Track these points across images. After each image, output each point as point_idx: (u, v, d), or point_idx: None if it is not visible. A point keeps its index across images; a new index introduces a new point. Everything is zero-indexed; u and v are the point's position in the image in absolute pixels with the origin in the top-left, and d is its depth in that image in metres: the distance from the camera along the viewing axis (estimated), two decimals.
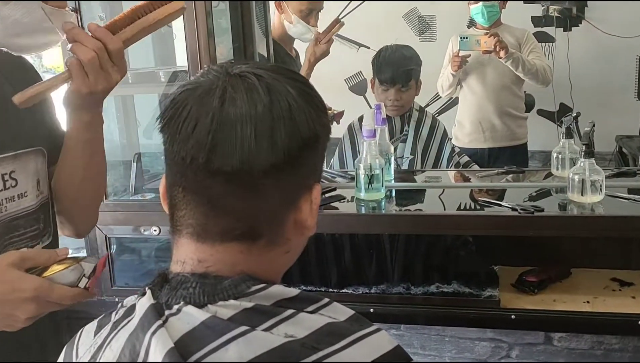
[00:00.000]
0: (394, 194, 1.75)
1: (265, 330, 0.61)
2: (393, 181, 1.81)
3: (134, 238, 1.75)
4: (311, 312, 0.65)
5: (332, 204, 1.61)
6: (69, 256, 0.88)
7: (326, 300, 0.68)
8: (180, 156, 0.64)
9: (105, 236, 1.68)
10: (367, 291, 1.57)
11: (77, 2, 1.56)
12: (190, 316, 0.62)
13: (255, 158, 0.63)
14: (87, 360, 0.67)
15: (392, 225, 1.53)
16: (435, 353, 1.82)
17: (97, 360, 0.65)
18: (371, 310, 1.54)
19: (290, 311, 0.64)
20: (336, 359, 0.61)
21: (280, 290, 0.65)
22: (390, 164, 1.80)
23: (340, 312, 0.67)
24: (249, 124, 0.63)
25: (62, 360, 0.72)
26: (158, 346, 0.60)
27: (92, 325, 0.72)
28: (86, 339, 0.71)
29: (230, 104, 0.63)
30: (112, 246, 1.71)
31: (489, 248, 1.63)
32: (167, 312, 0.63)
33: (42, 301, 0.82)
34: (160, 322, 0.62)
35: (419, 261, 1.57)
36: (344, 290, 1.58)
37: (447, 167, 2.39)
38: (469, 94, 2.85)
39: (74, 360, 0.70)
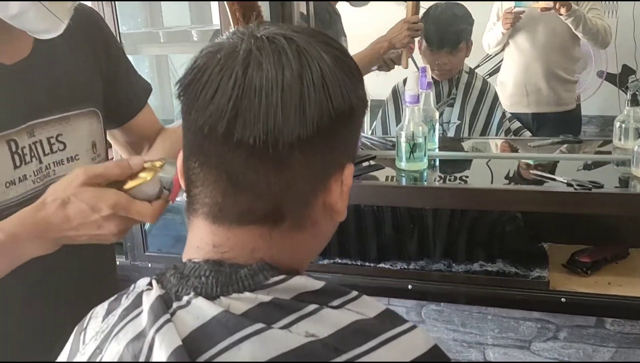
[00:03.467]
0: (437, 163, 1.65)
1: (283, 327, 0.54)
2: (437, 150, 1.70)
3: None
4: (336, 307, 0.58)
5: (371, 174, 1.52)
6: (145, 165, 0.79)
7: (355, 293, 0.61)
8: (197, 125, 0.57)
9: None
10: (406, 266, 1.48)
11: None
12: (200, 310, 0.56)
13: (282, 130, 0.55)
14: (93, 348, 0.61)
15: (433, 199, 1.43)
16: (476, 331, 1.73)
17: (103, 350, 0.59)
18: (409, 286, 1.46)
19: (312, 306, 0.57)
20: (363, 362, 0.54)
21: (302, 282, 0.58)
22: (434, 131, 1.69)
23: (369, 307, 0.60)
24: (275, 92, 0.55)
25: (70, 344, 0.67)
26: (163, 344, 0.54)
27: (101, 308, 0.67)
28: (94, 324, 0.65)
29: (255, 69, 0.56)
30: None
31: (539, 224, 1.52)
32: (175, 304, 0.57)
33: (123, 217, 0.77)
34: (167, 315, 0.56)
35: (462, 236, 1.48)
36: (381, 265, 1.50)
37: (496, 133, 2.26)
38: (515, 53, 2.64)
39: (80, 346, 0.64)
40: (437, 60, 2.23)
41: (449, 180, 1.53)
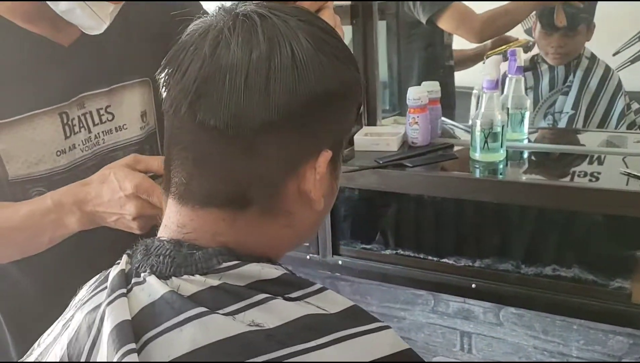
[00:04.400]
0: (525, 156, 1.52)
1: (228, 314, 0.54)
2: (526, 141, 1.57)
3: None
4: (294, 299, 0.56)
5: (442, 163, 1.45)
6: None
7: (318, 286, 0.58)
8: (166, 104, 0.58)
9: None
10: (470, 264, 1.40)
11: None
12: (152, 288, 0.57)
13: (245, 115, 0.54)
14: (69, 315, 0.64)
15: (506, 194, 1.32)
16: (559, 340, 1.59)
17: (72, 319, 0.62)
18: (473, 285, 1.37)
19: (262, 295, 0.55)
20: (303, 359, 0.51)
21: (257, 270, 0.57)
22: (523, 120, 1.56)
23: (333, 303, 0.57)
24: (240, 74, 0.54)
25: (67, 309, 0.71)
26: (110, 317, 0.55)
27: (94, 278, 0.70)
28: (82, 292, 0.68)
29: (223, 49, 0.55)
30: None
31: (631, 227, 1.34)
32: (133, 280, 0.58)
33: (144, 201, 0.81)
34: (123, 290, 0.57)
35: (535, 236, 1.35)
36: (444, 260, 1.42)
37: (616, 126, 2.04)
38: None
39: (67, 310, 0.67)
40: (552, 43, 2.06)
41: (531, 174, 1.40)
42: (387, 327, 0.57)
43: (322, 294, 0.58)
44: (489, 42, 2.17)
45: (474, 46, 2.26)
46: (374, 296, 1.80)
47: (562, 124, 2.08)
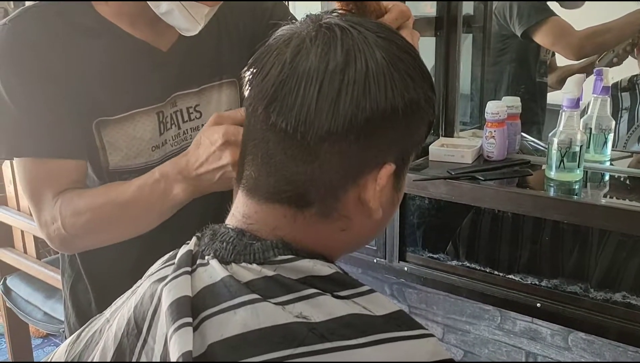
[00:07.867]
0: (607, 178, 1.48)
1: (278, 304, 0.57)
2: (608, 163, 1.52)
3: None
4: (342, 297, 0.58)
5: (516, 178, 1.43)
6: None
7: (367, 287, 0.60)
8: (247, 102, 0.63)
9: None
10: (537, 282, 1.37)
11: None
12: (213, 271, 0.61)
13: (313, 122, 0.57)
14: (139, 284, 0.69)
15: (577, 214, 1.30)
16: None
17: (140, 287, 0.67)
18: (538, 305, 1.35)
19: (312, 290, 0.58)
20: (341, 357, 0.53)
21: (309, 266, 0.60)
22: (607, 141, 1.51)
23: (380, 305, 0.59)
24: (315, 82, 0.56)
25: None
26: (173, 290, 0.60)
27: (167, 255, 0.72)
28: (154, 265, 0.71)
29: (302, 58, 0.58)
30: None
31: None
32: (198, 261, 0.63)
33: (237, 145, 0.82)
34: (188, 269, 0.62)
35: (607, 260, 1.31)
36: (510, 276, 1.41)
37: None
38: None
39: (140, 281, 0.71)
40: None
41: (612, 197, 1.37)
42: (431, 335, 0.57)
43: (370, 296, 0.59)
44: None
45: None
46: (440, 306, 1.80)
47: None
